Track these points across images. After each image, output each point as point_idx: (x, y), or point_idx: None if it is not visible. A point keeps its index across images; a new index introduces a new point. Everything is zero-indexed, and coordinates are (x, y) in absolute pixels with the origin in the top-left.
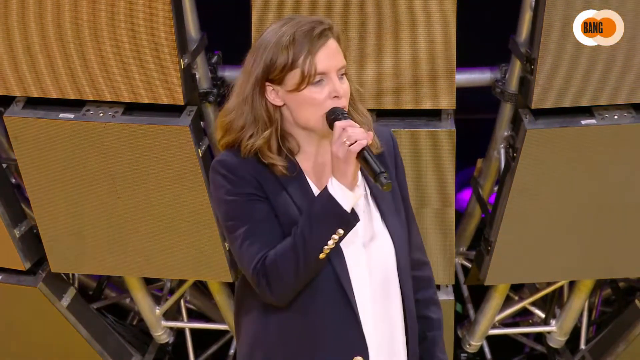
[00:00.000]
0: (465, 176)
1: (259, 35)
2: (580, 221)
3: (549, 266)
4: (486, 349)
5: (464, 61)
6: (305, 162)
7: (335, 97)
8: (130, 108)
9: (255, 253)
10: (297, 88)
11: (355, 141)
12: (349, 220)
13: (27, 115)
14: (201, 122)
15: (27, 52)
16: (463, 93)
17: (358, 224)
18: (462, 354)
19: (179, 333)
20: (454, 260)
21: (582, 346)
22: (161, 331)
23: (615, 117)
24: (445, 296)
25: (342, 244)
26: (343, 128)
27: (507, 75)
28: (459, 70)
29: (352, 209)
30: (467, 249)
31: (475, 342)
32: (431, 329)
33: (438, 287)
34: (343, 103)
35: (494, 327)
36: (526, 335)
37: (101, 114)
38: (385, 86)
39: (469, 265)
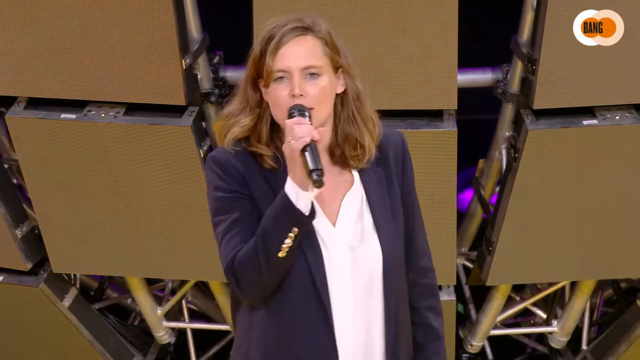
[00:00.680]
0: (466, 177)
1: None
2: (581, 221)
3: (551, 266)
4: (488, 350)
5: (466, 62)
6: None
7: (293, 95)
8: (132, 108)
9: (230, 251)
10: (266, 84)
11: (300, 138)
12: (302, 218)
13: (28, 116)
14: (203, 123)
15: (29, 53)
16: (464, 93)
17: (347, 226)
18: (464, 355)
19: (181, 333)
20: (456, 261)
21: (584, 347)
22: (163, 331)
23: (617, 117)
24: (447, 296)
25: (324, 245)
26: (290, 126)
27: (508, 76)
28: (460, 70)
29: (312, 208)
30: (468, 249)
31: (476, 343)
32: (432, 339)
33: (440, 287)
34: (307, 102)
35: (495, 327)
36: (528, 335)
37: (103, 115)
38: (386, 86)
39: (470, 265)
